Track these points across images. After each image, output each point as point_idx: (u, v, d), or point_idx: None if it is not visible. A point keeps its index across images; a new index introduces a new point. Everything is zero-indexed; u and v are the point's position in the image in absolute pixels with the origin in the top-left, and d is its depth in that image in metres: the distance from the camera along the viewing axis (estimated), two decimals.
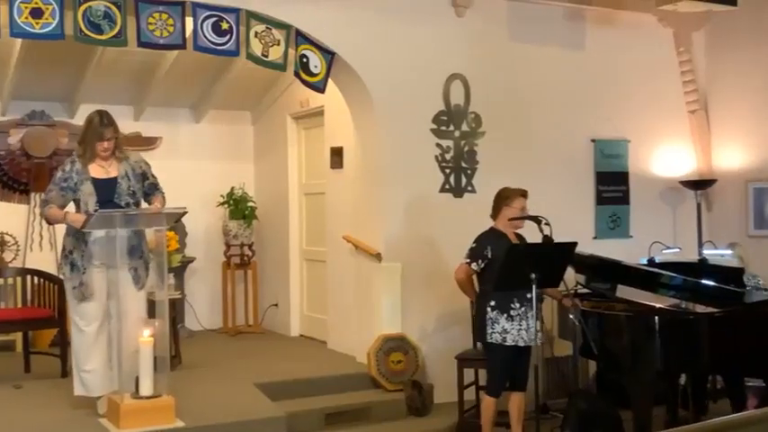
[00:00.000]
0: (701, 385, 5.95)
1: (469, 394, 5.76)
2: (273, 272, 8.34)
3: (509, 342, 5.02)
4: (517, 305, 5.03)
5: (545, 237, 4.96)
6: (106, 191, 4.98)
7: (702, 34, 7.54)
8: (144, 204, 5.18)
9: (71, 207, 5.07)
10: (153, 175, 5.21)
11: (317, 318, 7.69)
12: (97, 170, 5.00)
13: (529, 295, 5.01)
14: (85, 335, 4.96)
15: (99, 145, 4.94)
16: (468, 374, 5.75)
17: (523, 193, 5.20)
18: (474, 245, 5.18)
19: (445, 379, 6.03)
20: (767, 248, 6.91)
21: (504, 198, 5.20)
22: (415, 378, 6.07)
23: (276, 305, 8.30)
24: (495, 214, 5.25)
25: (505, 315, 5.02)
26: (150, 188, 5.18)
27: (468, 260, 5.16)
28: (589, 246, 6.33)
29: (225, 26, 5.67)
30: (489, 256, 5.09)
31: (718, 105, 7.49)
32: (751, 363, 5.17)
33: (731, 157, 7.35)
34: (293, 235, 8.09)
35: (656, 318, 4.92)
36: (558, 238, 4.98)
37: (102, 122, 4.95)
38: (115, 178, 5.02)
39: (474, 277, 5.25)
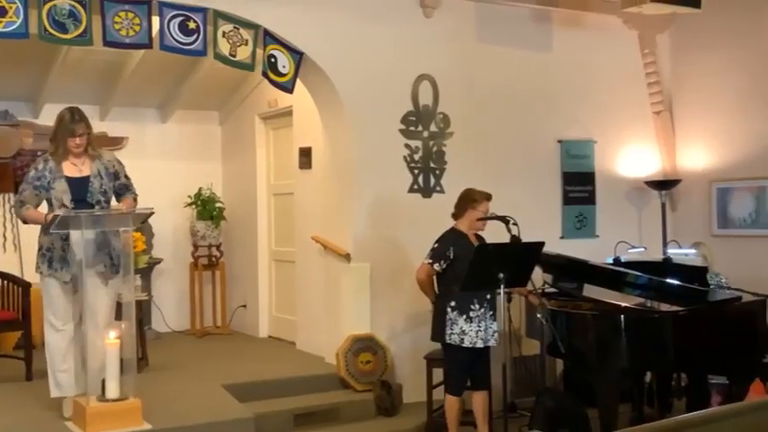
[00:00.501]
0: (666, 383, 6.02)
1: (438, 394, 5.77)
2: (242, 273, 8.30)
3: (466, 344, 5.06)
4: (476, 306, 5.07)
5: (513, 237, 5.00)
6: (79, 189, 4.95)
7: (667, 36, 7.65)
8: (115, 204, 5.15)
9: (44, 206, 5.04)
10: (126, 176, 5.19)
11: (286, 318, 7.67)
12: (70, 168, 4.97)
13: (489, 296, 5.06)
14: (63, 334, 4.94)
15: (71, 141, 4.91)
16: (437, 374, 5.77)
17: (488, 197, 5.25)
18: (436, 245, 5.20)
19: (414, 379, 6.06)
20: (730, 248, 7.02)
21: (470, 200, 5.23)
22: (384, 378, 6.08)
23: (244, 306, 8.26)
24: (458, 214, 5.28)
25: (464, 316, 5.06)
26: (121, 188, 5.15)
27: (431, 260, 5.19)
28: (556, 245, 6.40)
29: (192, 25, 5.63)
30: (451, 256, 5.12)
31: (683, 106, 7.60)
32: (714, 360, 5.26)
33: (695, 157, 7.46)
34: (262, 235, 8.06)
35: (622, 317, 4.97)
36: (525, 238, 5.02)
37: (73, 119, 4.92)
38: (88, 177, 4.98)
39: (433, 277, 5.28)
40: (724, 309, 5.39)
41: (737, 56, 7.10)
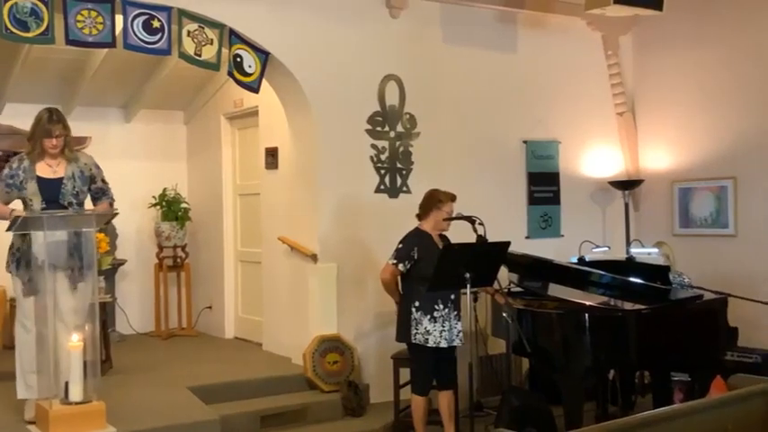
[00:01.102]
0: (629, 381, 6.09)
1: (405, 394, 5.77)
2: (207, 274, 8.24)
3: (431, 343, 5.08)
4: (441, 306, 5.09)
5: (479, 236, 5.03)
6: (51, 190, 4.92)
7: (630, 38, 7.75)
8: (90, 206, 5.11)
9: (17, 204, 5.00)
10: (103, 180, 5.15)
11: (252, 319, 7.63)
12: (44, 169, 4.95)
13: (453, 296, 5.10)
14: (33, 335, 4.88)
15: (47, 141, 4.89)
16: (404, 374, 5.77)
17: (453, 198, 5.28)
18: (400, 245, 5.22)
19: (381, 379, 6.07)
20: (692, 247, 7.13)
21: (435, 201, 5.25)
22: (350, 378, 6.08)
23: (210, 307, 8.21)
24: (423, 215, 5.29)
25: (429, 316, 5.08)
26: (98, 192, 5.13)
27: (395, 261, 5.19)
28: (522, 245, 6.44)
29: (156, 24, 5.58)
30: (415, 256, 5.14)
31: (645, 107, 7.70)
32: (677, 358, 5.33)
33: (657, 158, 7.56)
34: (227, 236, 8.01)
35: (586, 315, 5.02)
36: (491, 238, 5.05)
37: (50, 119, 4.91)
38: (61, 178, 4.96)
39: (398, 278, 5.29)
40: (686, 307, 5.46)
41: (699, 57, 7.21)
